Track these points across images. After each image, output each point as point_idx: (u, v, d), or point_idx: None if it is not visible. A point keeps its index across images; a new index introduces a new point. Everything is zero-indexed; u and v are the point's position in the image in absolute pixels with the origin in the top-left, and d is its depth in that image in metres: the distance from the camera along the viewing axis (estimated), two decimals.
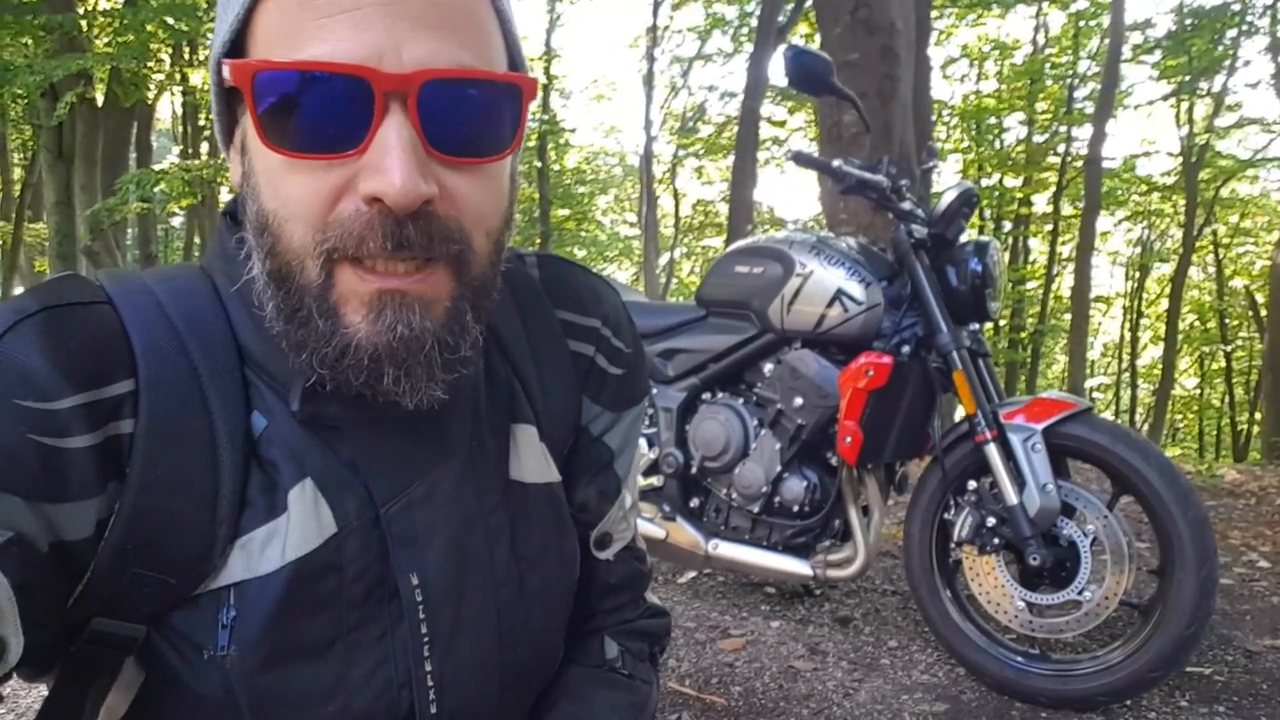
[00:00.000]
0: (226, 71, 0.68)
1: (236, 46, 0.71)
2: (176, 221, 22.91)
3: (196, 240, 18.19)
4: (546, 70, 20.69)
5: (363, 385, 0.71)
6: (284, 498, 0.75)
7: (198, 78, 14.37)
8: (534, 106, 0.76)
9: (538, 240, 19.71)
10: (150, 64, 12.57)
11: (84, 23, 11.64)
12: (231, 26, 0.70)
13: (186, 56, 14.74)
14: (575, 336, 0.95)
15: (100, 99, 12.47)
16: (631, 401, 1.01)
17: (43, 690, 0.77)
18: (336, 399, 0.76)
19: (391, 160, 0.65)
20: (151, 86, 14.02)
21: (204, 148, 17.19)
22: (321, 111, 0.65)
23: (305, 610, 0.75)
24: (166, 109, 19.73)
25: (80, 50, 11.21)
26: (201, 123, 17.20)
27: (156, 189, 11.14)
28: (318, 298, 0.69)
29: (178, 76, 14.49)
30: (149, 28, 11.16)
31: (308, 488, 0.76)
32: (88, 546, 0.70)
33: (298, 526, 0.75)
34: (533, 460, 0.89)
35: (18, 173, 19.99)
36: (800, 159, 2.86)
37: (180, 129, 18.84)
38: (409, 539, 0.79)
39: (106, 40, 12.20)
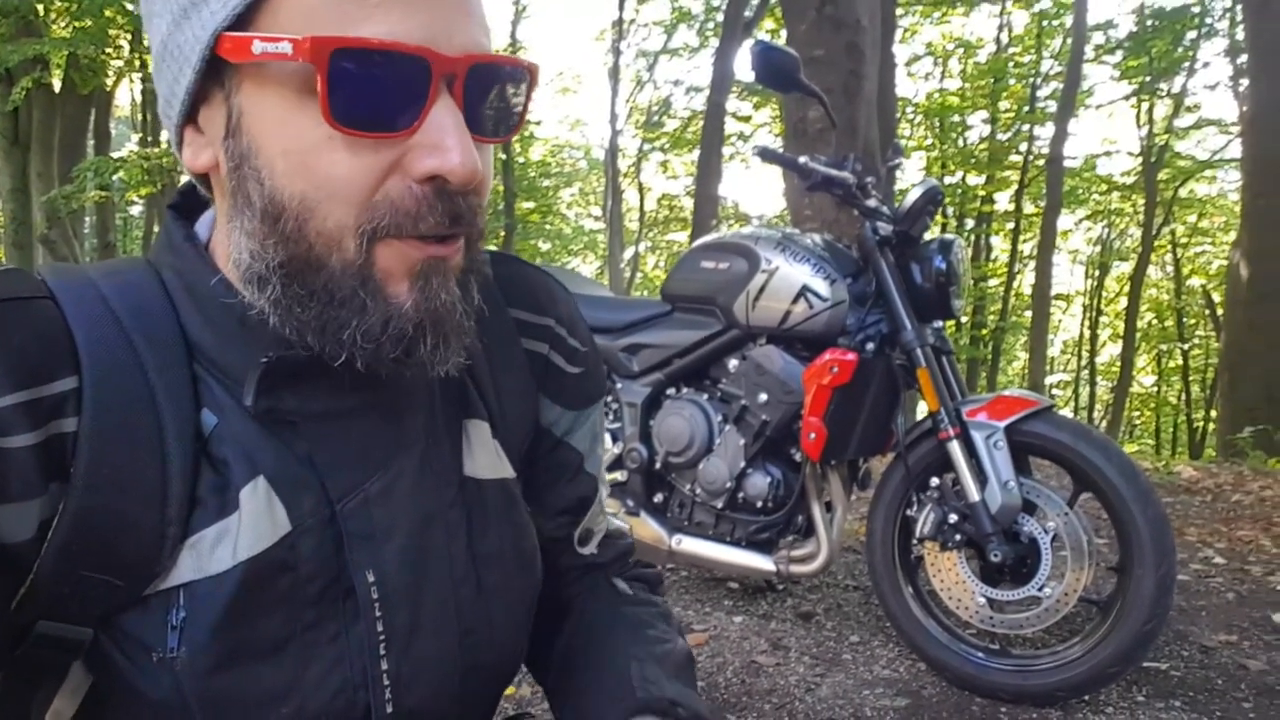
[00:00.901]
0: (265, 46, 0.65)
1: (238, 24, 0.68)
2: (135, 210, 22.59)
3: (155, 229, 17.96)
4: None
5: (396, 358, 0.71)
6: (235, 496, 0.73)
7: None
8: None
9: (502, 233, 19.60)
10: (109, 50, 12.39)
11: (40, 7, 11.46)
12: (244, 1, 0.66)
13: (146, 43, 14.52)
14: (529, 335, 0.95)
15: (57, 85, 12.28)
16: (591, 400, 1.00)
17: None
18: (292, 392, 0.75)
19: (452, 140, 0.67)
20: (110, 73, 13.82)
21: (164, 135, 16.93)
22: (382, 91, 0.65)
23: (258, 610, 0.73)
24: (125, 96, 19.47)
25: (37, 35, 11.04)
26: None
27: (115, 177, 11.02)
28: (359, 275, 0.69)
29: (137, 63, 14.26)
30: (107, 13, 11.00)
31: (260, 486, 0.74)
32: (30, 548, 0.68)
33: (250, 525, 0.73)
34: (485, 456, 0.88)
35: None
36: (766, 155, 2.86)
37: (139, 116, 18.59)
38: (366, 535, 0.78)
39: (64, 25, 12.01)
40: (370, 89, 0.65)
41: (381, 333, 0.69)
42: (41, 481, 0.67)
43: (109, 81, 14.26)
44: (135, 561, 0.71)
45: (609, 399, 3.11)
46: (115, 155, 12.26)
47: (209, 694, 0.72)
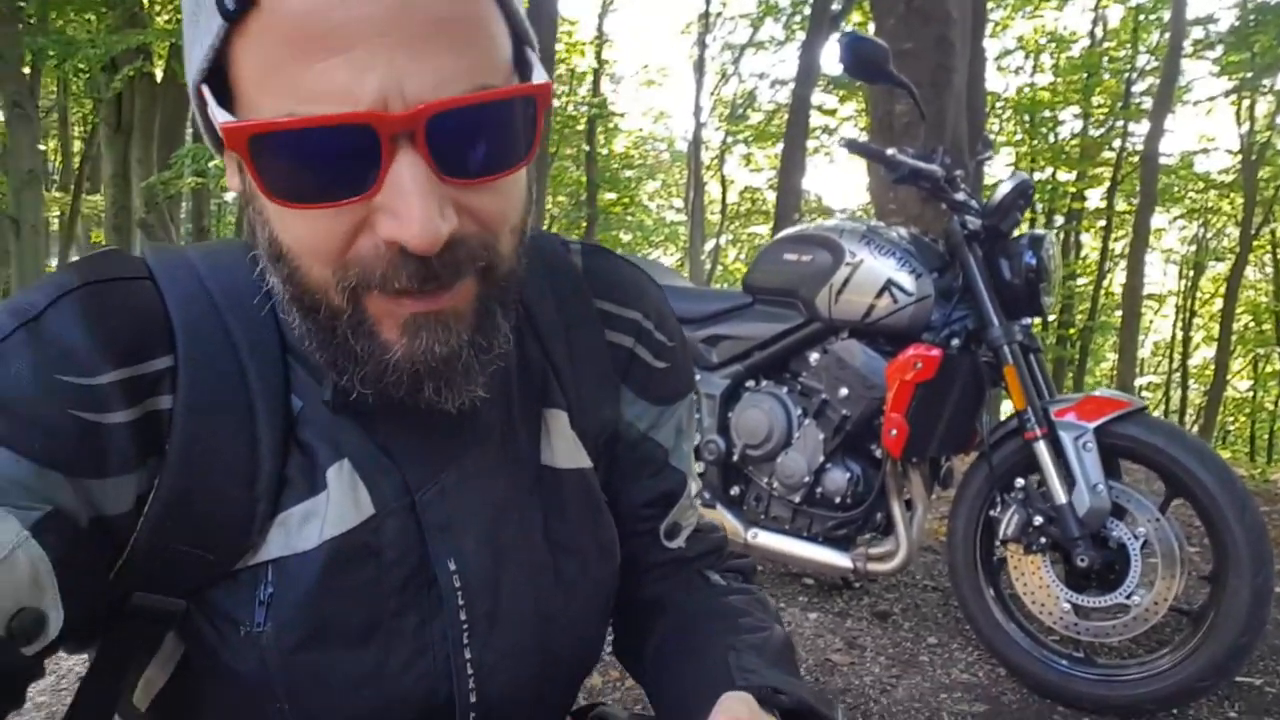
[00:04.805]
0: (220, 118, 0.64)
1: (216, 70, 0.66)
2: (230, 196, 23.14)
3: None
4: (598, 55, 20.69)
5: (405, 396, 0.71)
6: (323, 476, 0.75)
7: None
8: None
9: (584, 223, 19.74)
10: None
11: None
12: (206, 55, 0.65)
13: None
14: (614, 327, 0.93)
15: (159, 74, 12.63)
16: (677, 395, 0.99)
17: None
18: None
19: (407, 204, 0.62)
20: None
21: None
22: (327, 163, 0.62)
23: (343, 593, 0.74)
24: None
25: (141, 26, 11.37)
26: None
27: (210, 164, 11.28)
28: (350, 323, 0.68)
29: None
30: None
31: (345, 468, 0.75)
32: (128, 521, 0.69)
33: (336, 505, 0.74)
34: (564, 445, 0.88)
35: (77, 145, 20.32)
36: (853, 147, 2.82)
37: None
38: (443, 526, 0.78)
39: (167, 18, 12.35)
40: (312, 164, 0.62)
41: (380, 380, 0.69)
42: (139, 457, 0.69)
43: None
44: (226, 536, 0.72)
45: None
46: None
47: (292, 671, 0.73)
